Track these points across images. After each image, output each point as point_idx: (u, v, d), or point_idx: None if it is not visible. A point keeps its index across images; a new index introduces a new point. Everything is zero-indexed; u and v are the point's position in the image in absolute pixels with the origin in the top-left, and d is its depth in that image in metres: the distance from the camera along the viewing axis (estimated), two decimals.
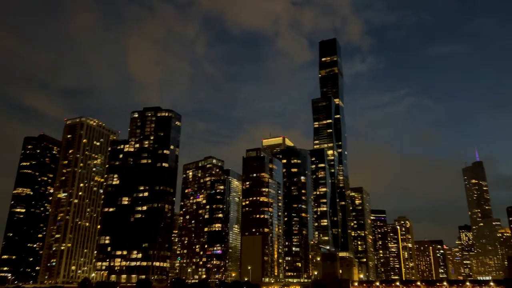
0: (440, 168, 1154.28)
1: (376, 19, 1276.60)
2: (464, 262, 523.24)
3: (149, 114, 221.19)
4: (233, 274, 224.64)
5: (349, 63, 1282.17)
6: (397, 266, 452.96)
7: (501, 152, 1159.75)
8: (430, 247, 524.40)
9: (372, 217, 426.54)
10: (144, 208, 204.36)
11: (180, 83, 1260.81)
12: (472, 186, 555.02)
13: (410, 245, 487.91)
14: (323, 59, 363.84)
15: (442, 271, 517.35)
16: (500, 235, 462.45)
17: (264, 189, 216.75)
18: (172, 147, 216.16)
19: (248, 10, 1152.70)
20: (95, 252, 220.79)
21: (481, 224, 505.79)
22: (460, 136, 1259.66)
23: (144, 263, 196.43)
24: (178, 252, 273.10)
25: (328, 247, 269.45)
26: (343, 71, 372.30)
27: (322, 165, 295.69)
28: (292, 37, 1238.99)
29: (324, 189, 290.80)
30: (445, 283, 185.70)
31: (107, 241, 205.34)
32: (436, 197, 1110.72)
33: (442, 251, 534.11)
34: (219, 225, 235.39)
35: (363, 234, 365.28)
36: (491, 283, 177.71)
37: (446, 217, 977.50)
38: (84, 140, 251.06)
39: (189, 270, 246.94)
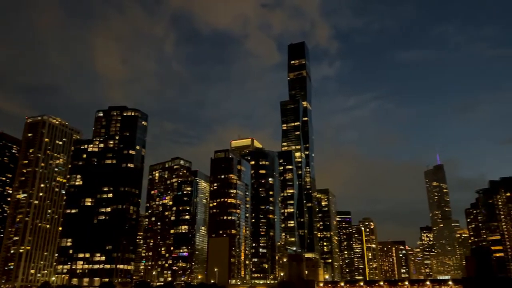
0: (404, 171, 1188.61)
1: (343, 24, 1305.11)
2: (425, 262, 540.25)
3: (115, 114, 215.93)
4: (200, 276, 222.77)
5: (317, 67, 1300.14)
6: (361, 266, 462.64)
7: (460, 156, 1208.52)
8: (393, 248, 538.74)
9: (337, 218, 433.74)
10: (108, 209, 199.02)
11: (147, 83, 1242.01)
12: (433, 189, 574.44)
13: (374, 245, 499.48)
14: (291, 62, 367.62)
15: (404, 271, 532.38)
16: (458, 235, 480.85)
17: (232, 191, 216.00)
18: (138, 147, 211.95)
19: (217, 10, 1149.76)
20: (56, 255, 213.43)
21: (441, 225, 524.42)
22: (423, 140, 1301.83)
23: (108, 266, 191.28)
24: (143, 254, 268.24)
25: (294, 248, 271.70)
26: (311, 74, 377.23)
27: (290, 167, 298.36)
28: (261, 39, 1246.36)
29: (291, 191, 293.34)
30: (406, 283, 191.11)
31: (68, 244, 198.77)
32: (399, 198, 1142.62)
33: (404, 252, 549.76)
34: (186, 227, 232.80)
35: (328, 235, 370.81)
36: (450, 282, 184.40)
37: (408, 218, 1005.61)
38: (46, 139, 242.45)
39: (154, 272, 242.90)
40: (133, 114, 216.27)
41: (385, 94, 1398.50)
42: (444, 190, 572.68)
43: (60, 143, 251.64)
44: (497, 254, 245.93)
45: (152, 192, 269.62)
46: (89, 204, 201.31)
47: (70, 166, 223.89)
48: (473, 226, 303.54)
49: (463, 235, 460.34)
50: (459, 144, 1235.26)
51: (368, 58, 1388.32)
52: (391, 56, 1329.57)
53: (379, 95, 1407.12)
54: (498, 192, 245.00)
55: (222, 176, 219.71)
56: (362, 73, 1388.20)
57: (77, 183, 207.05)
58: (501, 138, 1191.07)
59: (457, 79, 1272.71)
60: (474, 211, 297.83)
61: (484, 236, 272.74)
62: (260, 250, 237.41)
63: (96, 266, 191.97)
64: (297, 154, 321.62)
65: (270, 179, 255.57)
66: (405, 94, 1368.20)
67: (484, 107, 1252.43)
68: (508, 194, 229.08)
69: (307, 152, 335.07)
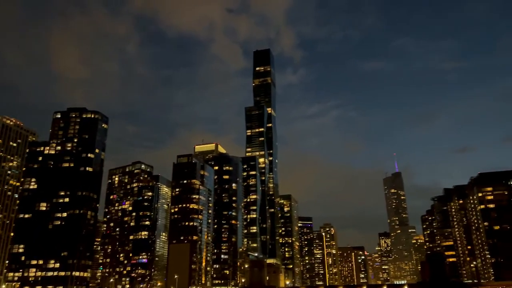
0: (364, 178, 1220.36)
1: (307, 32, 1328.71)
2: (383, 267, 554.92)
3: (74, 115, 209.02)
4: (159, 284, 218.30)
5: (282, 74, 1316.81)
6: (322, 272, 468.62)
7: (418, 164, 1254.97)
8: (353, 253, 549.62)
9: (299, 224, 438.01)
10: (64, 214, 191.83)
11: (109, 84, 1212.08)
12: (391, 195, 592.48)
13: (334, 251, 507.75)
14: (257, 68, 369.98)
15: (362, 276, 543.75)
16: (414, 241, 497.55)
17: (194, 196, 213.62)
18: (97, 150, 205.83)
19: (183, 13, 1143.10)
20: (7, 262, 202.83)
21: (399, 231, 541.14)
22: (383, 148, 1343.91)
23: (62, 273, 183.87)
24: (100, 261, 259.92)
25: (256, 254, 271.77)
26: (276, 81, 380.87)
27: (254, 172, 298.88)
28: (226, 44, 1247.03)
29: (254, 197, 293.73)
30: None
31: (20, 250, 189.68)
32: (359, 205, 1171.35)
33: (363, 257, 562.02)
34: (146, 232, 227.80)
35: (290, 241, 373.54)
36: (405, 287, 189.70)
37: (368, 224, 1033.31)
38: None
39: (111, 280, 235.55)
40: (93, 116, 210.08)
41: (347, 102, 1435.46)
42: (402, 197, 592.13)
43: (14, 144, 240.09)
44: (450, 259, 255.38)
45: (111, 197, 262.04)
46: (44, 208, 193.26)
47: (24, 169, 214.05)
48: (428, 232, 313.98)
49: (419, 240, 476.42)
50: (416, 153, 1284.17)
51: (331, 67, 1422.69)
52: (353, 66, 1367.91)
53: (341, 103, 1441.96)
54: (451, 199, 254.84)
55: (185, 181, 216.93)
56: (325, 81, 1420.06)
57: (31, 187, 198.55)
58: (455, 147, 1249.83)
59: (415, 89, 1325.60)
60: (430, 218, 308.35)
61: (439, 241, 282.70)
62: (222, 256, 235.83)
63: (50, 274, 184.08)
64: (261, 160, 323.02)
65: (233, 184, 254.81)
66: (366, 102, 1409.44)
67: (439, 117, 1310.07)
68: (461, 201, 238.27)
69: (270, 158, 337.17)
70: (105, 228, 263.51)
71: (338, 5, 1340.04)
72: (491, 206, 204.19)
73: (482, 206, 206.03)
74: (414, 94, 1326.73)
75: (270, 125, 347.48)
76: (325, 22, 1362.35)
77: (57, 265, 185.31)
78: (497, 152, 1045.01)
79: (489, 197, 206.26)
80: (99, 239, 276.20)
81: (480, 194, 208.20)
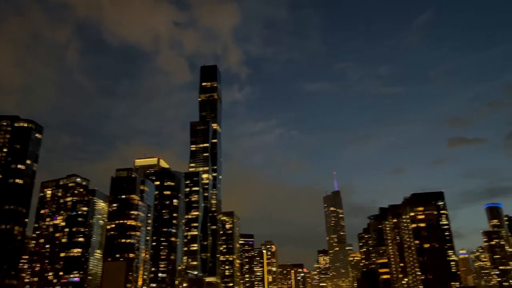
0: (305, 195, 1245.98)
1: (254, 51, 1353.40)
2: (321, 284, 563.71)
3: (5, 123, 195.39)
4: None
5: (228, 90, 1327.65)
6: None
7: (356, 183, 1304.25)
8: (292, 271, 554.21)
9: (241, 241, 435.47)
10: None
11: (44, 92, 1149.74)
12: (330, 213, 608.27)
13: (274, 268, 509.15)
14: (203, 83, 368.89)
15: None
16: (351, 259, 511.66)
17: (133, 212, 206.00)
18: (28, 161, 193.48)
19: (127, 22, 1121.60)
20: None
21: (337, 248, 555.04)
22: (323, 166, 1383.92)
23: None
24: (27, 280, 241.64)
25: (196, 272, 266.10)
26: (222, 97, 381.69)
27: (196, 188, 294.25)
28: (172, 57, 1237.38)
29: (196, 213, 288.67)
30: None
31: None
32: (300, 222, 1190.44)
33: (302, 274, 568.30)
34: (79, 250, 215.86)
35: (231, 259, 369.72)
36: None
37: (307, 241, 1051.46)
38: None
39: None
40: (26, 125, 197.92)
41: (290, 122, 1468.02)
42: (340, 215, 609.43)
43: None
44: (384, 276, 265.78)
45: (42, 212, 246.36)
46: None
47: None
48: (364, 250, 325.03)
49: (356, 258, 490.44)
50: (354, 172, 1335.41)
51: (276, 86, 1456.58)
52: (297, 86, 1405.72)
53: (284, 122, 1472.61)
54: (386, 218, 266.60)
55: (123, 196, 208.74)
56: (269, 100, 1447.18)
57: None
58: (390, 168, 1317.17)
59: (354, 111, 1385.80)
60: (366, 236, 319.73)
61: (374, 259, 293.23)
62: (160, 274, 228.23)
63: None
64: (205, 175, 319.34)
65: (174, 200, 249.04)
66: (308, 122, 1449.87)
67: (376, 139, 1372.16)
68: (395, 220, 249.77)
69: (214, 174, 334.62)
70: (33, 245, 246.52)
71: (284, 27, 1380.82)
72: (422, 225, 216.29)
73: (414, 225, 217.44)
74: (354, 116, 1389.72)
75: (215, 140, 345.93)
76: (271, 42, 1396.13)
77: None
78: (427, 174, 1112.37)
79: (420, 217, 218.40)
80: (27, 257, 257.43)
81: (412, 214, 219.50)
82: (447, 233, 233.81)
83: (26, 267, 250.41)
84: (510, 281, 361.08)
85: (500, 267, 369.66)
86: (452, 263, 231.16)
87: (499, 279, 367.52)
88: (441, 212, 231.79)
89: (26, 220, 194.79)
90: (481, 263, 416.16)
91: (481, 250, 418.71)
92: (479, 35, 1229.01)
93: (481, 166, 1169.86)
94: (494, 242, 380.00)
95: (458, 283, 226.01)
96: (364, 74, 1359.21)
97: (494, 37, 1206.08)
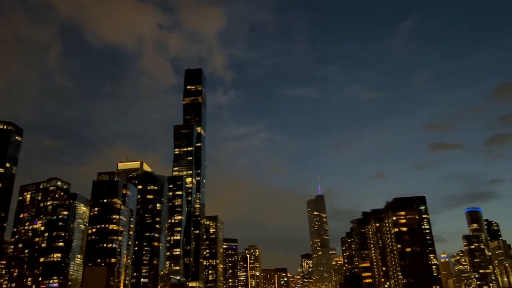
0: (289, 199, 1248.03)
1: (239, 55, 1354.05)
2: None
3: None
4: None
5: (213, 93, 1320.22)
6: None
7: (339, 187, 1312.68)
8: (276, 275, 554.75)
9: (224, 246, 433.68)
10: None
11: (24, 93, 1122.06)
12: (314, 217, 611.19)
13: (258, 273, 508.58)
14: (188, 87, 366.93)
15: None
16: (334, 263, 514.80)
17: (115, 216, 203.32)
18: (8, 164, 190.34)
19: (110, 24, 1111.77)
20: None
21: (320, 252, 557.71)
22: (307, 171, 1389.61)
23: None
24: (4, 285, 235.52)
25: (178, 277, 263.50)
26: (206, 101, 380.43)
27: (180, 192, 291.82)
28: (156, 60, 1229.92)
29: (179, 217, 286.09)
30: None
31: None
32: (283, 226, 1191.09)
33: (286, 279, 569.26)
34: (59, 254, 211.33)
35: (214, 263, 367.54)
36: None
37: (291, 245, 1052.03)
38: None
39: None
40: (5, 127, 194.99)
41: (274, 126, 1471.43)
42: (324, 219, 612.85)
43: None
44: (367, 280, 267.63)
45: (22, 216, 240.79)
46: None
47: None
48: (347, 254, 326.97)
49: (339, 262, 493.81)
50: (337, 176, 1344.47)
51: (260, 90, 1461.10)
52: (281, 90, 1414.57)
53: (268, 126, 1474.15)
54: (369, 222, 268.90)
55: (105, 200, 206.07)
56: (254, 104, 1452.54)
57: None
58: (373, 172, 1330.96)
59: (338, 116, 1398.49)
60: (349, 240, 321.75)
61: (357, 263, 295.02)
62: (142, 280, 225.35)
63: None
64: (188, 179, 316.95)
65: (157, 204, 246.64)
66: (292, 127, 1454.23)
67: (358, 143, 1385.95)
68: (377, 224, 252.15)
69: (198, 178, 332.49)
70: (12, 250, 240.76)
71: (269, 31, 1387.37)
72: (404, 229, 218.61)
73: (396, 229, 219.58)
74: (338, 120, 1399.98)
75: (199, 144, 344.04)
76: (256, 47, 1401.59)
77: None
78: (409, 178, 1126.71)
79: (402, 221, 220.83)
80: (4, 262, 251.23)
81: (394, 218, 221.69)
82: (429, 237, 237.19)
83: (4, 272, 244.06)
84: (490, 284, 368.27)
85: (480, 271, 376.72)
86: (433, 267, 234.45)
87: (479, 282, 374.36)
88: (423, 216, 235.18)
89: (5, 224, 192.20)
90: (461, 266, 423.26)
91: (461, 254, 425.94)
92: (461, 42, 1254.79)
93: (461, 171, 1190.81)
94: (474, 246, 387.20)
95: (439, 287, 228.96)
96: (347, 79, 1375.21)
97: (476, 44, 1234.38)
